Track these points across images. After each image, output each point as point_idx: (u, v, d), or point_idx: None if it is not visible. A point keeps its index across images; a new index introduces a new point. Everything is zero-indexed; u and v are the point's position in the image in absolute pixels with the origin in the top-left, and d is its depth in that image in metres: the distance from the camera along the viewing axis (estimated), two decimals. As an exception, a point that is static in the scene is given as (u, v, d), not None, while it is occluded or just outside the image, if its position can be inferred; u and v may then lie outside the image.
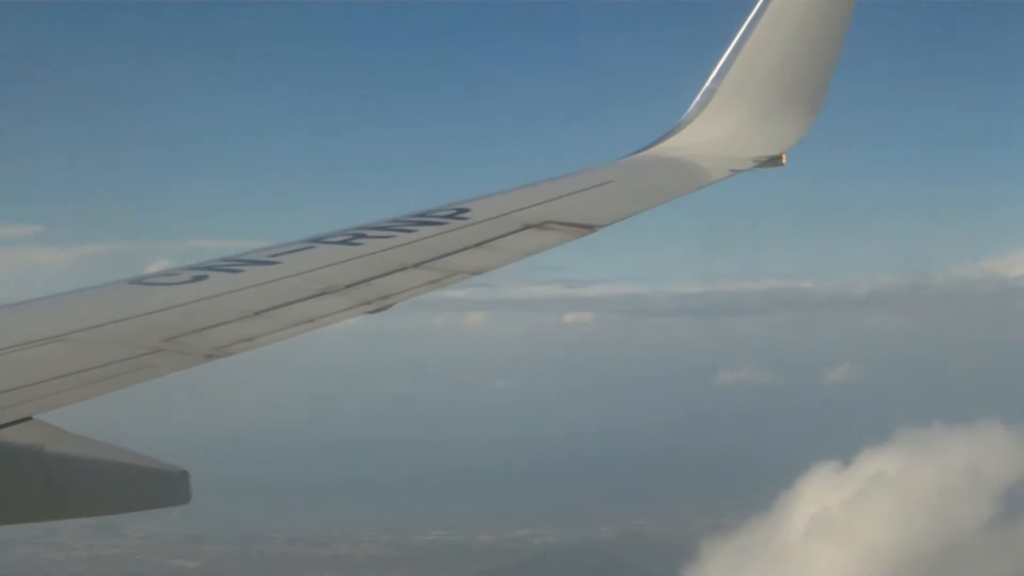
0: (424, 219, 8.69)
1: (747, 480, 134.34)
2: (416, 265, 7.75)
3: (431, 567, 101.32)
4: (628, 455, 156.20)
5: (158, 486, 6.09)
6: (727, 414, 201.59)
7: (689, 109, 10.82)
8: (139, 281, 7.58)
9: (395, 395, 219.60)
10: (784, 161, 10.19)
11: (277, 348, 6.91)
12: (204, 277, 7.47)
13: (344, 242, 8.18)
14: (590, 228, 8.65)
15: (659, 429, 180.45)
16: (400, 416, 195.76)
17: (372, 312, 7.26)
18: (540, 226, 8.53)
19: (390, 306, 7.37)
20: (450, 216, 8.72)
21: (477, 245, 8.14)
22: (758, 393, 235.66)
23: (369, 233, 8.35)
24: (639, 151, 10.63)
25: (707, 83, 10.77)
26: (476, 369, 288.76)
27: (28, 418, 5.56)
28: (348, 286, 7.38)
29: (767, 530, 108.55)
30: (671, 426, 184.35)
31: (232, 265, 7.78)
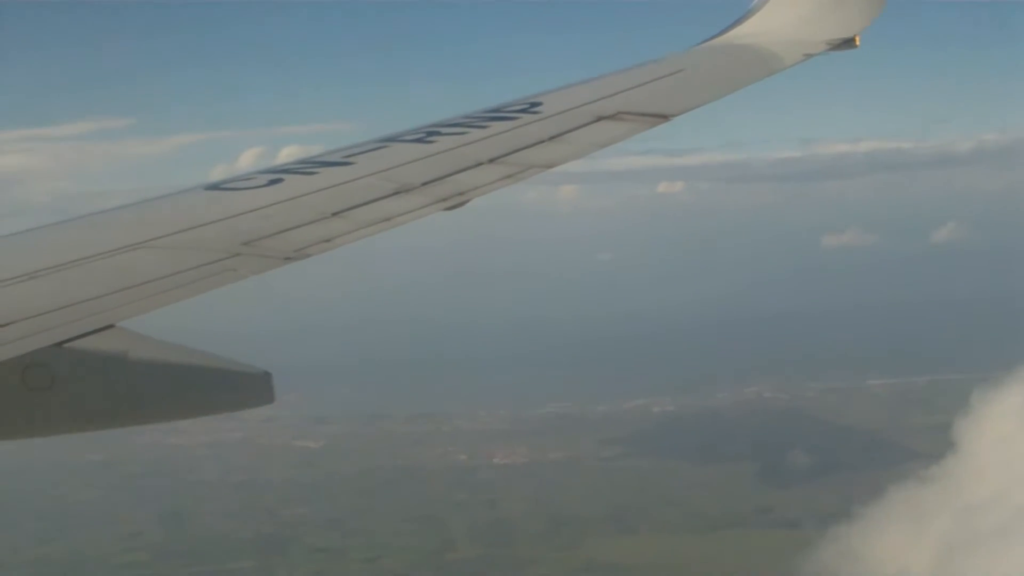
0: (497, 114, 8.67)
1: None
2: (490, 160, 7.77)
3: (551, 439, 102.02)
4: (744, 321, 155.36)
5: (242, 388, 6.34)
6: (846, 274, 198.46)
7: None
8: (215, 186, 7.68)
9: (501, 272, 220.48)
10: (857, 43, 9.87)
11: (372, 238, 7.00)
12: (280, 180, 7.56)
13: (418, 140, 8.22)
14: (664, 117, 8.58)
15: (773, 293, 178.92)
16: (509, 293, 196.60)
17: (448, 209, 7.31)
18: (613, 117, 8.48)
19: (466, 202, 7.42)
20: (523, 110, 8.69)
21: (550, 139, 8.12)
22: (865, 254, 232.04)
23: (443, 130, 8.36)
24: (709, 39, 10.42)
25: None
26: (578, 242, 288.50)
27: (111, 325, 5.67)
28: (423, 184, 7.44)
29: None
30: (786, 289, 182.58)
31: (307, 167, 7.85)
